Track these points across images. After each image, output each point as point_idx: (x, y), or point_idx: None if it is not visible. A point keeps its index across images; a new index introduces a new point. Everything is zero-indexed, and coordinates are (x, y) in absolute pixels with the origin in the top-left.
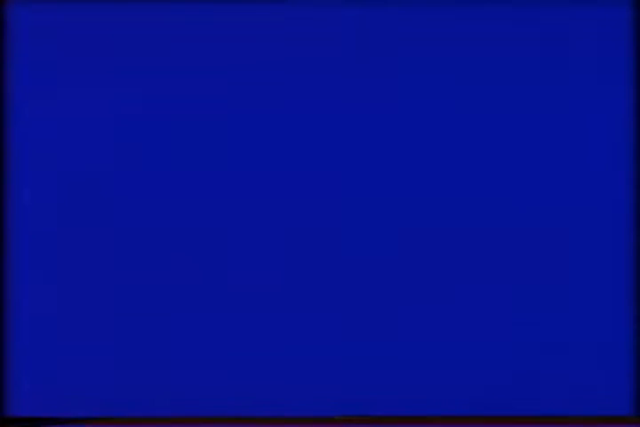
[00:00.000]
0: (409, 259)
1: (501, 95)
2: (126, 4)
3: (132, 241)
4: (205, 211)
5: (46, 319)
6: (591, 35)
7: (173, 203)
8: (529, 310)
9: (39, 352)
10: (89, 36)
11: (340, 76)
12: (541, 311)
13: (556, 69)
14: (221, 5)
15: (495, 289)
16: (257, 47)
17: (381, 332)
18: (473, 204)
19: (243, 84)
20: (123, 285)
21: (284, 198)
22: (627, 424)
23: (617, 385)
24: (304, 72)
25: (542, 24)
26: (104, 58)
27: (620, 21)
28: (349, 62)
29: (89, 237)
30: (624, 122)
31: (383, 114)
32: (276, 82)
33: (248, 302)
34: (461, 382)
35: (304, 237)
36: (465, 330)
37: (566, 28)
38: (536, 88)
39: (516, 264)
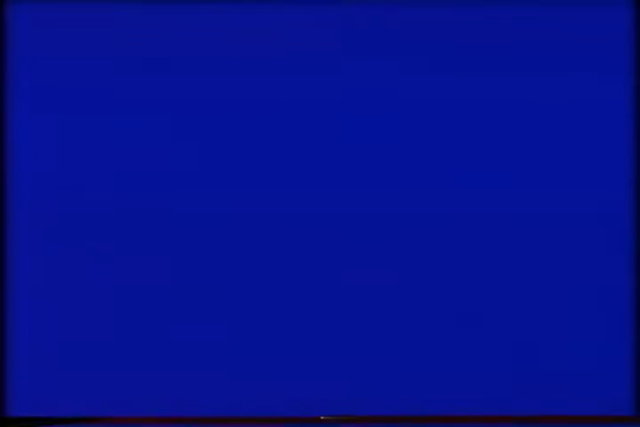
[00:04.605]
0: (408, 260)
1: (500, 94)
2: (127, 5)
3: (131, 243)
4: (201, 218)
5: (46, 320)
6: (591, 35)
7: (172, 207)
8: (529, 310)
9: (39, 353)
10: (90, 36)
11: (336, 75)
12: (542, 312)
13: (556, 69)
14: (223, 5)
15: (496, 290)
16: (256, 47)
17: (380, 332)
18: (474, 206)
19: (243, 84)
20: (123, 286)
21: (284, 200)
22: (627, 424)
23: (617, 385)
24: (301, 71)
25: (542, 24)
26: (104, 57)
27: (619, 21)
28: (346, 60)
29: (89, 239)
30: (624, 121)
31: (383, 110)
32: (274, 81)
33: (246, 303)
34: (461, 382)
35: (300, 247)
36: (465, 330)
37: (566, 27)
38: (535, 87)
39: (516, 264)
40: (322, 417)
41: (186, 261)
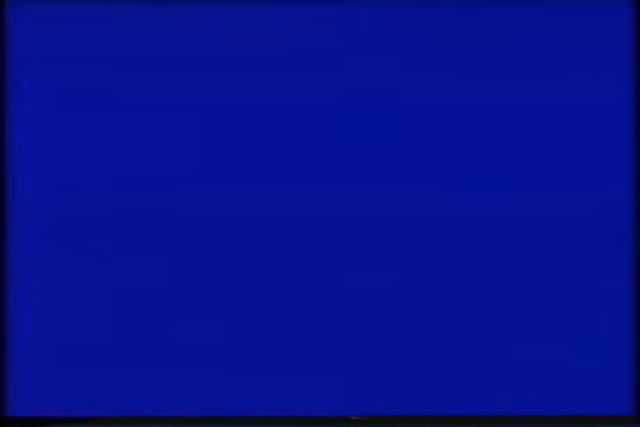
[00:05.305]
0: (408, 260)
1: (500, 95)
2: (127, 5)
3: (131, 244)
4: (201, 218)
5: (47, 320)
6: (591, 35)
7: (172, 208)
8: (529, 310)
9: (39, 353)
10: (90, 36)
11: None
12: (541, 312)
13: (556, 69)
14: (223, 5)
15: (496, 290)
16: (256, 47)
17: (379, 332)
18: (474, 206)
19: (243, 84)
20: (123, 287)
21: (284, 201)
22: (627, 424)
23: (617, 385)
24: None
25: (542, 24)
26: (105, 57)
27: (619, 21)
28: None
29: (89, 239)
30: (623, 121)
31: (383, 111)
32: (274, 81)
33: (249, 302)
34: (461, 382)
35: (304, 244)
36: (465, 330)
37: (566, 27)
38: (535, 87)
39: (516, 264)
40: (322, 417)
41: (186, 261)
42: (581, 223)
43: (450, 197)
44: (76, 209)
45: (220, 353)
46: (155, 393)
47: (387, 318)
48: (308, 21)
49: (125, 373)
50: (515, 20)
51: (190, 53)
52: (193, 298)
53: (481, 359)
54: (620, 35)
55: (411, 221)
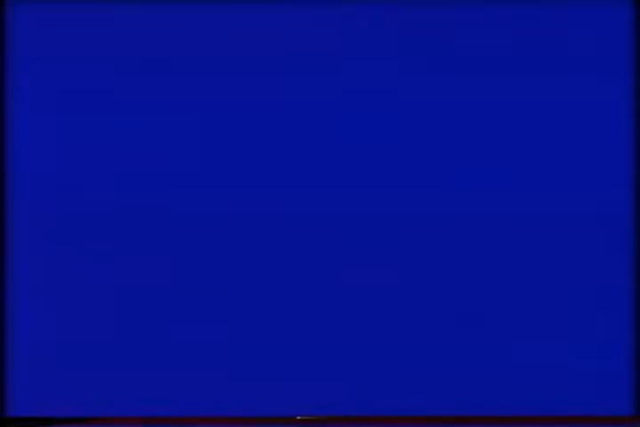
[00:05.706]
0: (408, 260)
1: (500, 95)
2: (127, 5)
3: (131, 244)
4: (201, 218)
5: (47, 320)
6: (591, 35)
7: (172, 208)
8: (529, 310)
9: (39, 353)
10: (90, 36)
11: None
12: (541, 311)
13: (556, 69)
14: (223, 5)
15: (496, 290)
16: (256, 47)
17: (380, 332)
18: (474, 206)
19: (243, 84)
20: (123, 287)
21: (282, 201)
22: (627, 424)
23: (617, 385)
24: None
25: (542, 24)
26: (105, 58)
27: (619, 21)
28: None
29: (89, 239)
30: (624, 121)
31: (383, 111)
32: (274, 81)
33: (249, 302)
34: (461, 382)
35: (299, 243)
36: (464, 330)
37: (566, 27)
38: (535, 88)
39: (516, 264)
40: (321, 417)
41: (186, 261)
42: (581, 223)
43: (449, 197)
44: (76, 209)
45: (221, 353)
46: (155, 393)
47: (387, 319)
48: (308, 21)
49: (126, 373)
50: (515, 20)
51: (190, 53)
52: (193, 298)
53: (480, 360)
54: (620, 35)
55: (410, 222)
